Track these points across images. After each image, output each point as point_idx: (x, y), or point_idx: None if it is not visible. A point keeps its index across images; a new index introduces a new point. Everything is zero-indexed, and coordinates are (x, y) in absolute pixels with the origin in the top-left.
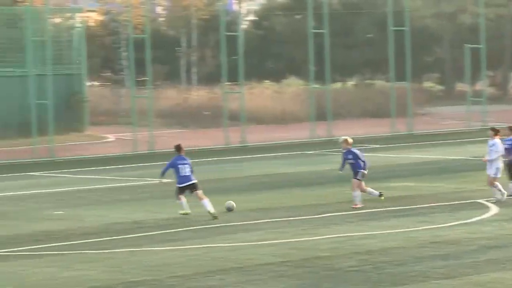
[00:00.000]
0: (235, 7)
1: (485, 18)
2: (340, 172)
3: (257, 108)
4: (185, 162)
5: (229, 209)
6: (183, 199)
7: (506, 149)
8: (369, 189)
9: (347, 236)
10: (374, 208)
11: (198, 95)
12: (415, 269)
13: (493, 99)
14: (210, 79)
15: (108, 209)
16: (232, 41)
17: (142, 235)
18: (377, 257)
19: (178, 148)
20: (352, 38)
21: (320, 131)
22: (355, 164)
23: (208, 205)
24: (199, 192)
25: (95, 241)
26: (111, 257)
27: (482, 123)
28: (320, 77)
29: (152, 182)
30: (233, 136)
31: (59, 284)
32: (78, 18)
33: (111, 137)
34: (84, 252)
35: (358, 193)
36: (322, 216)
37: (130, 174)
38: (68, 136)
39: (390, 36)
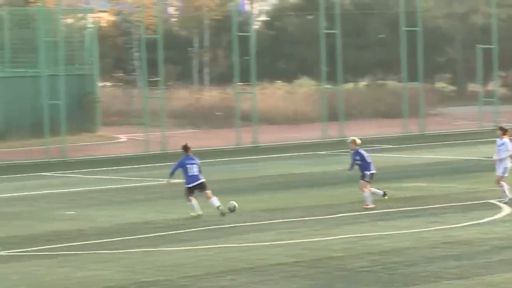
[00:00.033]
0: (247, 7)
1: (497, 19)
2: (349, 172)
3: (269, 109)
4: (193, 161)
5: (231, 210)
6: (194, 200)
7: None
8: (373, 189)
9: (359, 236)
10: (386, 208)
11: (210, 95)
12: (427, 270)
13: (505, 100)
14: (222, 79)
15: (120, 209)
16: (244, 41)
17: (154, 235)
18: (389, 257)
19: (186, 148)
20: (364, 39)
21: (332, 131)
22: (363, 165)
23: (216, 202)
24: (208, 192)
25: (107, 241)
26: (124, 257)
27: (494, 123)
28: (332, 78)
29: (164, 182)
30: (245, 137)
31: (73, 284)
32: (90, 18)
33: (123, 138)
34: (97, 252)
35: (367, 193)
36: (335, 217)
37: (142, 174)
38: (80, 137)
39: (402, 37)
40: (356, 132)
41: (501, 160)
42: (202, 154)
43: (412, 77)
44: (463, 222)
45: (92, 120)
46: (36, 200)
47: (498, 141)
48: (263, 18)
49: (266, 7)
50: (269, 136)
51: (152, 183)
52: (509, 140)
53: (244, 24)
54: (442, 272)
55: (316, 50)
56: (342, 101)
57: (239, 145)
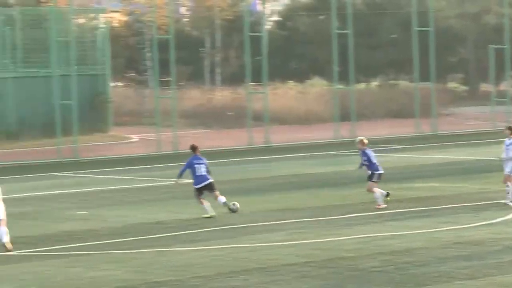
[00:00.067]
0: (259, 7)
1: (510, 19)
2: (359, 170)
3: (281, 109)
4: (201, 161)
5: (233, 210)
6: (205, 203)
7: None
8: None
9: (371, 236)
10: (398, 208)
11: (222, 95)
12: (439, 270)
13: None
14: (234, 79)
15: (131, 209)
16: (256, 41)
17: (165, 235)
18: (401, 257)
19: (194, 148)
20: (376, 39)
21: (344, 131)
22: (369, 166)
23: (222, 199)
24: (217, 192)
25: (118, 241)
26: (135, 257)
27: (506, 123)
28: (344, 78)
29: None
30: (257, 137)
31: (84, 284)
32: (102, 18)
33: (135, 138)
34: (108, 252)
35: (378, 193)
36: (346, 217)
37: (154, 174)
38: (92, 137)
39: (414, 37)
40: (368, 132)
41: (509, 159)
42: (214, 154)
43: (424, 77)
44: (474, 222)
45: (104, 120)
46: (48, 200)
47: (507, 140)
48: (275, 18)
49: (278, 7)
50: (280, 136)
51: (164, 183)
52: None
53: (256, 24)
54: (454, 272)
55: (328, 50)
56: (354, 101)
57: (251, 145)
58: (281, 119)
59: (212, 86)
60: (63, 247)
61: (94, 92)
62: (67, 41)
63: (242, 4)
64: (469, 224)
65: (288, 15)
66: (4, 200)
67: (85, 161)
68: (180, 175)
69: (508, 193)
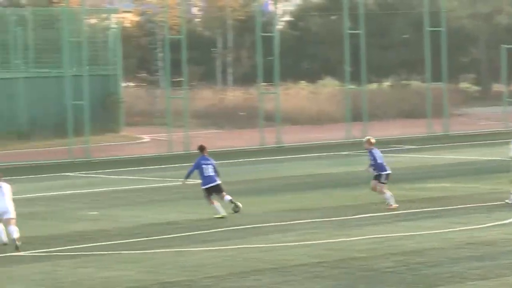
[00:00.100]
0: (270, 7)
1: None
2: (368, 170)
3: (292, 109)
4: (208, 162)
5: (236, 211)
6: (216, 203)
7: None
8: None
9: (383, 237)
10: (410, 209)
11: (234, 95)
12: (451, 270)
13: None
14: (246, 79)
15: (143, 209)
16: (267, 41)
17: (177, 236)
18: (413, 258)
19: (202, 148)
20: (388, 39)
21: (356, 131)
22: (375, 165)
23: (229, 197)
24: (224, 193)
25: (130, 241)
26: (147, 257)
27: None
28: (355, 78)
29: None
30: (269, 137)
31: (95, 284)
32: (114, 19)
33: (146, 138)
34: (119, 253)
35: (389, 194)
36: (358, 217)
37: (166, 174)
38: (103, 137)
39: (426, 37)
40: (380, 133)
41: None
42: (225, 155)
43: (436, 77)
44: (487, 223)
45: (115, 120)
46: (60, 200)
47: None
48: (287, 18)
49: (290, 7)
50: (292, 136)
51: (175, 183)
52: None
53: (268, 24)
54: (466, 273)
55: (340, 50)
56: (366, 101)
57: (263, 146)
58: (293, 119)
59: (224, 86)
60: (74, 247)
61: (105, 93)
62: (79, 42)
63: (254, 4)
64: (482, 224)
65: (300, 15)
66: (16, 200)
67: (96, 161)
68: (188, 176)
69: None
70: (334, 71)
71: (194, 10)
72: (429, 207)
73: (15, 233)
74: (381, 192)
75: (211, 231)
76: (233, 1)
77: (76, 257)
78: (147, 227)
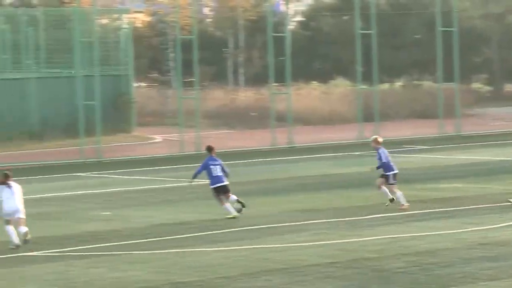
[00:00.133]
0: (282, 8)
1: None
2: (376, 171)
3: (304, 109)
4: (216, 162)
5: (239, 211)
6: (226, 203)
7: None
8: (384, 188)
9: (395, 237)
10: (422, 209)
11: (245, 96)
12: (464, 271)
13: None
14: (257, 80)
15: (154, 209)
16: (279, 42)
17: (189, 236)
18: (425, 258)
19: (210, 149)
20: (400, 39)
21: (368, 132)
22: (383, 165)
23: (235, 197)
24: (230, 194)
25: (142, 241)
26: (159, 257)
27: None
28: (367, 78)
29: (198, 183)
30: (280, 137)
31: (107, 284)
32: (125, 19)
33: (158, 138)
34: (131, 253)
35: (400, 193)
36: (370, 217)
37: (177, 175)
38: (115, 137)
39: (438, 37)
40: (391, 133)
41: None
42: (237, 155)
43: (448, 78)
44: (499, 223)
45: (127, 120)
46: (72, 200)
47: None
48: (299, 18)
49: (302, 7)
50: (304, 136)
51: (187, 183)
52: None
53: (279, 24)
54: (479, 273)
55: (351, 50)
56: (378, 101)
57: (274, 146)
58: (305, 120)
59: (235, 87)
60: (86, 248)
61: (117, 93)
62: (90, 42)
63: (265, 4)
64: (494, 225)
65: (311, 15)
66: (28, 201)
67: (108, 161)
68: (195, 176)
69: None
70: (346, 71)
71: (206, 10)
72: (441, 208)
73: (24, 229)
74: (380, 188)
75: (223, 231)
76: (245, 1)
77: (88, 257)
78: (159, 228)
